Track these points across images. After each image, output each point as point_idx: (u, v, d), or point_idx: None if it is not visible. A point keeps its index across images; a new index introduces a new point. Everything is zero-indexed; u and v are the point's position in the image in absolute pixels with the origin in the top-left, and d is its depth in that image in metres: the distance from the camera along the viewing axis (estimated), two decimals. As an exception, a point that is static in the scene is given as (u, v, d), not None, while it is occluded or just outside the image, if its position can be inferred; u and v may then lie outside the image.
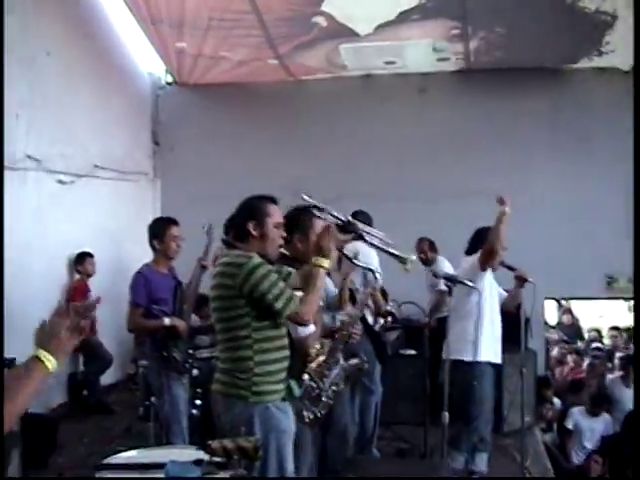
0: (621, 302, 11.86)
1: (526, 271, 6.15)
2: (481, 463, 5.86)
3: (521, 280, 6.16)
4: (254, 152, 10.57)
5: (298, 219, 4.30)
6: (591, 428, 8.83)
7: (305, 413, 4.03)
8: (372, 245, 4.14)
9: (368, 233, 4.05)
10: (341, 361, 4.24)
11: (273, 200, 3.90)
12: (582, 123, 10.20)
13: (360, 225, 4.07)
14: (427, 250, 8.69)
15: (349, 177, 10.15)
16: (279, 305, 3.63)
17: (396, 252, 3.91)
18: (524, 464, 6.03)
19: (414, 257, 3.95)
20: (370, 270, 4.79)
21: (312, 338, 4.06)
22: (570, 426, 8.84)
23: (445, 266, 8.24)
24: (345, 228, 4.00)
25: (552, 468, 6.99)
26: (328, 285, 4.73)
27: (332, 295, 4.83)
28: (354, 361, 4.36)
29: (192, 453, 3.42)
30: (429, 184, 10.13)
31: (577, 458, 8.65)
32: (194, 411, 6.19)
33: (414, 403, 7.25)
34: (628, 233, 9.73)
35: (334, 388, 4.15)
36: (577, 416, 8.95)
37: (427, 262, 8.57)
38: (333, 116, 10.65)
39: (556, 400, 9.36)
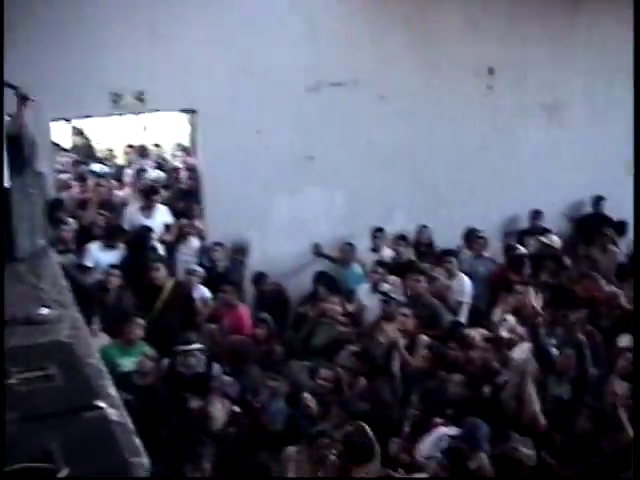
0: (129, 118, 12.01)
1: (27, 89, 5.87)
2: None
3: (22, 99, 5.86)
4: None
5: None
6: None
7: None
8: None
9: None
10: None
11: None
12: None
13: None
14: None
15: None
16: None
17: None
18: (40, 287, 5.97)
19: None
20: None
21: None
22: (89, 263, 8.94)
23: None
24: None
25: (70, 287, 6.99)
26: None
27: None
28: None
29: None
30: None
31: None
32: None
33: None
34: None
35: None
36: (94, 252, 9.09)
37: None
38: None
39: (71, 220, 9.37)
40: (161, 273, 8.61)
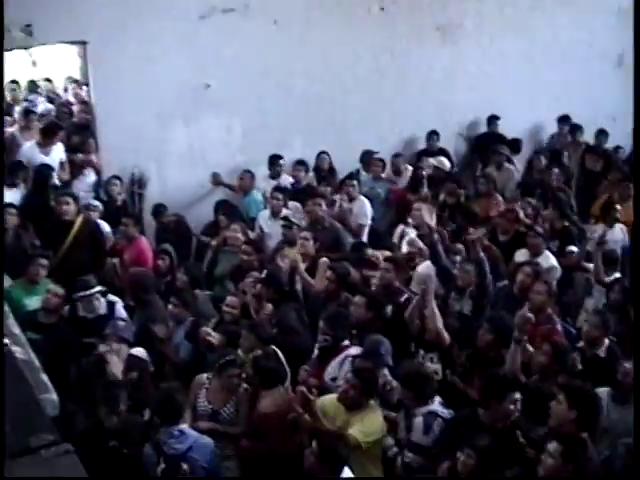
0: (18, 53, 11.54)
1: None
2: None
3: None
4: None
5: None
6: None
7: None
8: None
9: None
10: None
11: None
12: None
13: None
14: None
15: None
16: None
17: None
18: None
19: None
20: None
21: None
22: None
23: None
24: None
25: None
26: None
27: None
28: None
29: None
30: None
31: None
32: None
33: None
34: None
35: None
36: None
37: None
38: None
39: None
40: (71, 208, 8.47)
